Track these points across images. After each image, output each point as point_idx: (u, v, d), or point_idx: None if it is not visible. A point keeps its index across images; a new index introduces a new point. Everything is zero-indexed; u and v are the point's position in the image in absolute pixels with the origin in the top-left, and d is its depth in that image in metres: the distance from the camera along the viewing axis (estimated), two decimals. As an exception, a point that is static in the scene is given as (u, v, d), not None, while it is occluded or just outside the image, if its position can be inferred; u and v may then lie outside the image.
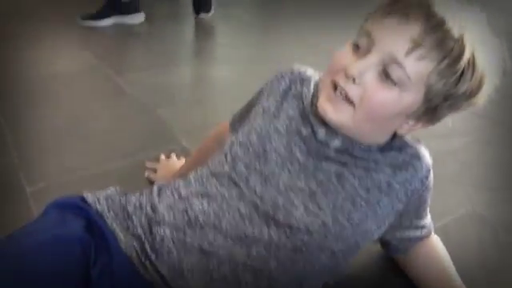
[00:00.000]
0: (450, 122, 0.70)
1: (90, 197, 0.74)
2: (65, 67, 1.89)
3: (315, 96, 0.74)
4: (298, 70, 0.79)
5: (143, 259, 0.67)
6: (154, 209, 0.71)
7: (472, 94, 0.64)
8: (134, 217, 0.71)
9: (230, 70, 1.92)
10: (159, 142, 1.31)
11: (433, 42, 0.60)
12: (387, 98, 0.63)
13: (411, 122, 0.68)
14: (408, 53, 0.61)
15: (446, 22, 0.61)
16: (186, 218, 0.68)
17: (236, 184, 0.70)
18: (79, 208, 0.72)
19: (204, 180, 0.73)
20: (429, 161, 0.74)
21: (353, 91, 0.64)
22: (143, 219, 0.70)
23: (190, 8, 2.69)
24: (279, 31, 2.44)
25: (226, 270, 0.65)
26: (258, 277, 0.66)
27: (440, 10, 0.62)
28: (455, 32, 0.60)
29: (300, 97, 0.75)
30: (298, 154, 0.71)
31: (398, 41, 0.61)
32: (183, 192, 0.72)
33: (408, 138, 0.74)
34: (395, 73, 0.62)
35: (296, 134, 0.72)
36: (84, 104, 1.56)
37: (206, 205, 0.69)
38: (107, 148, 1.28)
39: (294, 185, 0.69)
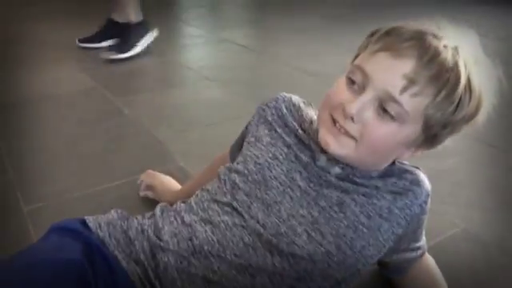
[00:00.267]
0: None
1: (91, 222, 0.74)
2: (63, 89, 1.91)
3: (312, 123, 0.76)
4: (283, 98, 0.80)
5: (146, 284, 0.67)
6: (157, 234, 0.71)
7: (471, 116, 0.65)
8: (136, 242, 0.71)
9: (227, 91, 1.94)
10: (156, 162, 1.32)
11: (427, 78, 0.61)
12: (387, 133, 0.65)
13: (412, 149, 0.70)
14: (403, 90, 0.61)
15: (440, 53, 0.61)
16: (190, 246, 0.68)
17: (238, 212, 0.70)
18: (79, 233, 0.71)
19: (205, 206, 0.73)
20: (428, 186, 0.75)
21: (353, 129, 0.65)
22: (145, 244, 0.70)
23: (185, 30, 2.73)
24: (274, 53, 2.48)
25: None
26: None
27: (432, 39, 0.62)
28: (450, 61, 0.61)
29: (292, 124, 0.77)
30: (299, 181, 0.71)
31: (392, 78, 0.62)
32: (186, 218, 0.72)
33: (407, 163, 0.75)
34: (392, 109, 0.63)
35: (295, 160, 0.73)
36: (81, 125, 1.58)
37: (210, 233, 0.68)
38: (104, 168, 1.29)
39: (296, 212, 0.69)
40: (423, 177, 0.75)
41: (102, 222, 0.74)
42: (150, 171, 1.17)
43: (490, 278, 0.95)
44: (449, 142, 0.71)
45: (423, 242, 0.84)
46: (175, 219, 0.72)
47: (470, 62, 0.63)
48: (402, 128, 0.64)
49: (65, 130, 1.54)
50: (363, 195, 0.71)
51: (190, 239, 0.68)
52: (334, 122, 0.67)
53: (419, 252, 0.82)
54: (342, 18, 3.29)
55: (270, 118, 0.78)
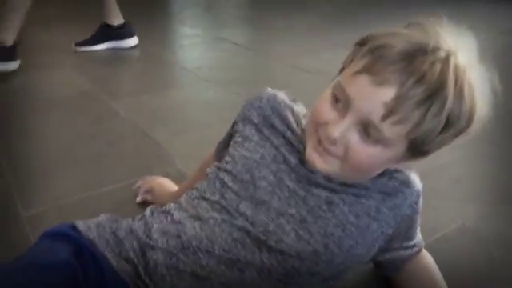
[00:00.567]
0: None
1: (81, 225, 0.75)
2: (59, 92, 1.91)
3: (298, 123, 0.76)
4: (267, 96, 0.79)
5: (137, 281, 0.68)
6: (146, 233, 0.72)
7: (462, 130, 0.63)
8: (125, 241, 0.71)
9: (224, 91, 1.94)
10: (154, 165, 1.32)
11: (410, 105, 0.59)
12: (371, 155, 0.64)
13: (401, 162, 0.69)
14: (383, 118, 0.60)
15: (426, 74, 0.58)
16: (179, 243, 0.68)
17: (227, 210, 0.70)
18: (69, 236, 0.72)
19: (195, 203, 0.74)
20: (419, 186, 0.75)
21: (337, 150, 0.65)
22: (135, 243, 0.71)
23: (181, 30, 2.73)
24: (270, 51, 2.48)
25: None
26: None
27: (420, 59, 0.58)
28: (436, 80, 0.58)
29: (279, 124, 0.76)
30: (288, 181, 0.72)
31: (372, 105, 0.60)
32: (176, 215, 0.73)
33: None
34: (374, 134, 0.62)
35: (284, 162, 0.73)
36: (78, 128, 1.57)
37: (198, 229, 0.69)
38: (103, 172, 1.29)
39: (284, 211, 0.70)
40: (414, 177, 0.75)
41: (92, 225, 0.75)
42: (147, 176, 1.17)
43: (489, 272, 0.95)
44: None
45: (418, 239, 0.84)
46: (165, 218, 0.73)
47: (464, 69, 0.61)
48: (386, 150, 0.63)
49: (62, 133, 1.54)
50: (352, 195, 0.71)
51: (179, 236, 0.69)
52: (320, 140, 0.66)
53: (414, 249, 0.82)
54: (339, 16, 3.29)
55: (255, 120, 0.78)
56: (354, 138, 0.63)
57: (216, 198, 0.72)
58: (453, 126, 0.62)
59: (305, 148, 0.71)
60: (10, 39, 2.06)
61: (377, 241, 0.72)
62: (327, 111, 0.65)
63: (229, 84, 2.01)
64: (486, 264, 0.97)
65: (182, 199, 0.77)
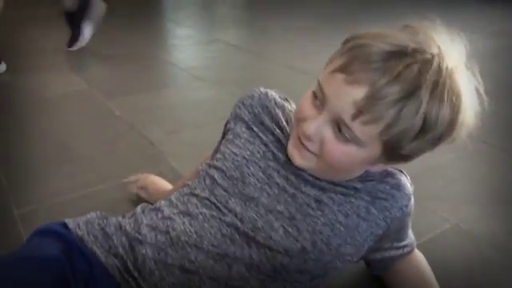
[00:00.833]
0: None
1: (71, 223, 0.75)
2: (53, 92, 1.90)
3: (288, 121, 0.76)
4: (259, 94, 0.80)
5: (126, 276, 0.68)
6: (136, 229, 0.72)
7: (442, 137, 0.62)
8: (114, 237, 0.72)
9: (218, 91, 1.94)
10: (149, 163, 1.32)
11: (380, 108, 0.58)
12: (345, 153, 0.64)
13: (379, 165, 0.69)
14: (353, 117, 0.60)
15: (400, 76, 0.57)
16: (168, 238, 0.69)
17: (216, 206, 0.71)
18: (59, 233, 0.72)
19: (185, 199, 0.74)
20: (409, 190, 0.75)
21: (312, 146, 0.66)
22: (124, 239, 0.71)
23: (176, 30, 2.72)
24: (266, 52, 2.48)
25: None
26: None
27: (396, 60, 0.57)
28: (411, 84, 0.57)
29: (269, 122, 0.77)
30: (277, 178, 0.72)
31: (343, 104, 0.61)
32: (166, 211, 0.73)
33: (390, 167, 0.75)
34: (346, 132, 0.62)
35: (273, 159, 0.74)
36: (73, 127, 1.57)
37: (187, 224, 0.69)
38: (96, 170, 1.29)
39: (273, 208, 0.70)
40: (405, 181, 0.75)
41: (81, 222, 0.75)
42: (139, 174, 1.17)
43: (482, 273, 0.95)
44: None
45: (410, 240, 0.84)
46: (155, 215, 0.74)
47: (449, 74, 0.60)
48: (361, 149, 0.64)
49: (56, 132, 1.53)
50: (341, 194, 0.71)
51: (168, 231, 0.69)
52: (299, 136, 0.67)
53: (406, 250, 0.82)
54: (334, 17, 3.30)
55: (246, 118, 0.79)
56: (329, 134, 0.64)
57: (206, 194, 0.73)
58: (430, 130, 0.60)
59: None
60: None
61: (366, 241, 0.73)
62: (307, 108, 0.67)
63: (224, 84, 2.01)
64: (479, 264, 0.97)
65: (173, 196, 0.77)
